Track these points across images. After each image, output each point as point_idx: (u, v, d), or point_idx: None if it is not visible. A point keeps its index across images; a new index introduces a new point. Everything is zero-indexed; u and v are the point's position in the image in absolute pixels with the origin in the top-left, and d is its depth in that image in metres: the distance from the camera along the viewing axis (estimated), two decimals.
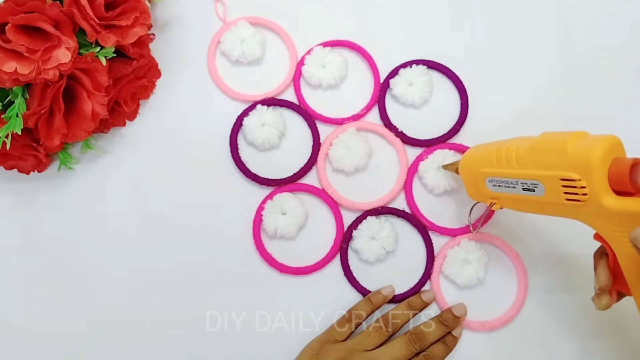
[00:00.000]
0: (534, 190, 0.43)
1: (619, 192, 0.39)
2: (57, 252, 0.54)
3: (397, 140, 0.57)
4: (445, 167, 0.54)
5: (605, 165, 0.39)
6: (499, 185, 0.46)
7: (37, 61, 0.45)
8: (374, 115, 0.58)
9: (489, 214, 0.55)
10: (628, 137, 0.58)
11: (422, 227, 0.56)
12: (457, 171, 0.52)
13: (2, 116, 0.48)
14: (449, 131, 0.58)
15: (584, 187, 0.39)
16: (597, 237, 0.43)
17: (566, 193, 0.40)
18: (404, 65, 0.58)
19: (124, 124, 0.56)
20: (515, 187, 0.45)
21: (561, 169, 0.40)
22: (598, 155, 0.38)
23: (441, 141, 0.57)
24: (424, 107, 0.58)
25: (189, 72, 0.58)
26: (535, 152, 0.43)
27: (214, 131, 0.57)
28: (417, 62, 0.58)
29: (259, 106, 0.56)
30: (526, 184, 0.43)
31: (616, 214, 0.39)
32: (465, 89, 0.58)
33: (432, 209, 0.56)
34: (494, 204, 0.48)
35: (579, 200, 0.40)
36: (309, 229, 0.56)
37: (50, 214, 0.55)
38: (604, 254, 0.43)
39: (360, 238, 0.54)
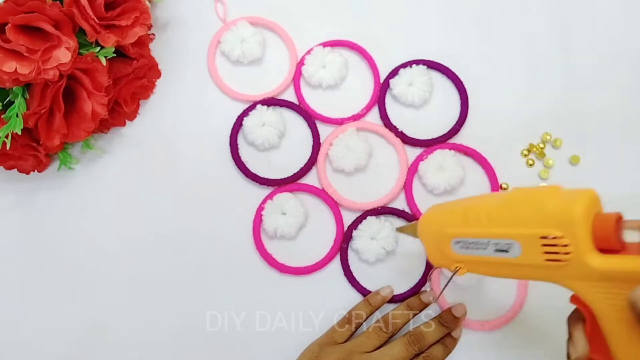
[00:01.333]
0: (507, 251, 0.39)
1: (601, 251, 0.36)
2: (57, 252, 0.54)
3: (397, 140, 0.57)
4: (401, 229, 0.50)
5: (589, 222, 0.36)
6: (467, 247, 0.42)
7: (37, 61, 0.45)
8: (374, 115, 0.58)
9: (450, 280, 0.48)
10: (629, 140, 0.59)
11: None
12: (414, 234, 0.47)
13: (2, 116, 0.48)
14: (449, 131, 0.58)
15: (566, 246, 0.36)
16: (575, 300, 0.39)
17: (546, 253, 0.37)
18: (404, 65, 0.58)
19: (124, 124, 0.56)
20: (486, 249, 0.40)
21: (541, 226, 0.37)
22: (581, 210, 0.35)
23: (441, 141, 0.57)
24: (424, 107, 0.58)
25: (189, 72, 0.58)
26: (509, 209, 0.39)
27: (214, 131, 0.57)
28: (417, 62, 0.58)
29: (259, 106, 0.56)
30: (499, 244, 0.39)
31: (604, 274, 0.35)
32: (465, 89, 0.58)
33: None
34: (459, 268, 0.43)
35: (560, 260, 0.36)
36: (309, 229, 0.56)
37: (50, 214, 0.55)
38: (579, 319, 0.39)
39: (360, 238, 0.54)
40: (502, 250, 0.40)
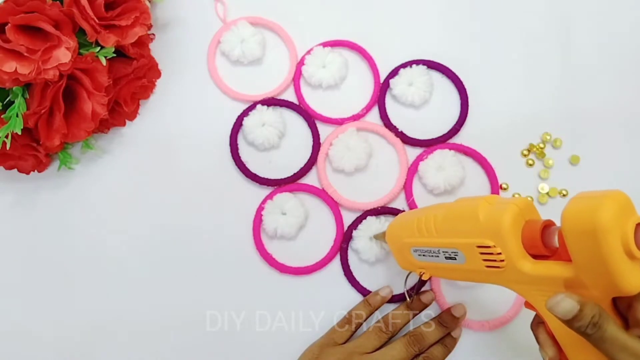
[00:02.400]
0: (455, 259, 0.42)
1: (536, 256, 0.38)
2: (57, 252, 0.54)
3: (397, 140, 0.57)
4: (376, 237, 0.53)
5: (518, 230, 0.37)
6: (423, 255, 0.45)
7: (37, 61, 0.45)
8: (374, 115, 0.58)
9: (421, 283, 0.52)
10: (629, 140, 0.59)
11: None
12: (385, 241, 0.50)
13: (2, 116, 0.48)
14: (449, 131, 0.58)
15: (500, 254, 0.38)
16: (528, 305, 0.41)
17: (485, 260, 0.39)
18: (404, 65, 0.58)
19: (124, 124, 0.56)
20: (438, 256, 0.43)
21: (476, 236, 0.39)
22: (508, 220, 0.37)
23: (441, 141, 0.57)
24: (424, 107, 0.58)
25: (189, 72, 0.58)
26: (450, 220, 0.42)
27: (214, 131, 0.57)
28: (417, 62, 0.58)
29: (259, 106, 0.56)
30: (447, 252, 0.42)
31: (535, 278, 0.37)
32: (465, 89, 0.58)
33: None
34: (424, 273, 0.46)
35: (498, 267, 0.38)
36: (309, 229, 0.56)
37: (50, 214, 0.55)
38: (540, 323, 0.41)
39: (360, 238, 0.54)
40: (450, 258, 0.42)
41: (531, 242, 0.37)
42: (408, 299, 0.52)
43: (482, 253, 0.39)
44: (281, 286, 0.54)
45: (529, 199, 0.56)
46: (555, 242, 0.36)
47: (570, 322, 0.34)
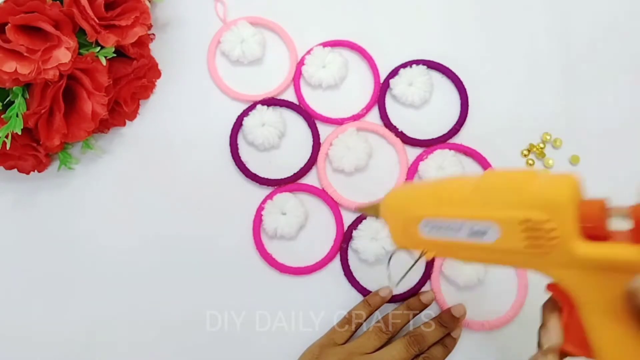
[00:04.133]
0: (483, 235, 0.36)
1: (587, 238, 0.33)
2: (57, 252, 0.54)
3: (397, 140, 0.57)
4: (361, 209, 0.46)
5: (576, 206, 0.33)
6: (437, 229, 0.38)
7: (37, 61, 0.45)
8: (374, 115, 0.58)
9: (415, 264, 0.44)
10: (629, 140, 0.59)
11: None
12: (376, 214, 0.43)
13: (2, 116, 0.48)
14: (449, 131, 0.58)
15: (553, 230, 0.33)
16: (553, 288, 0.36)
17: (528, 238, 0.34)
18: (404, 65, 0.58)
19: (124, 124, 0.56)
20: (458, 231, 0.37)
21: (524, 208, 0.34)
22: (569, 192, 0.32)
23: (441, 141, 0.57)
24: (424, 107, 0.58)
25: (189, 72, 0.58)
26: (489, 190, 0.36)
27: (214, 131, 0.57)
28: (417, 62, 0.58)
29: (259, 106, 0.56)
30: (475, 227, 0.36)
31: (591, 262, 0.32)
32: (465, 89, 0.58)
33: None
34: (426, 252, 0.40)
35: (542, 247, 0.33)
36: (309, 229, 0.56)
37: (50, 214, 0.55)
38: (555, 308, 0.37)
39: (360, 238, 0.54)
40: (477, 234, 0.36)
41: (589, 222, 0.32)
42: (393, 285, 0.47)
43: (526, 229, 0.34)
44: (281, 286, 0.54)
45: None
46: (616, 224, 0.32)
47: None
